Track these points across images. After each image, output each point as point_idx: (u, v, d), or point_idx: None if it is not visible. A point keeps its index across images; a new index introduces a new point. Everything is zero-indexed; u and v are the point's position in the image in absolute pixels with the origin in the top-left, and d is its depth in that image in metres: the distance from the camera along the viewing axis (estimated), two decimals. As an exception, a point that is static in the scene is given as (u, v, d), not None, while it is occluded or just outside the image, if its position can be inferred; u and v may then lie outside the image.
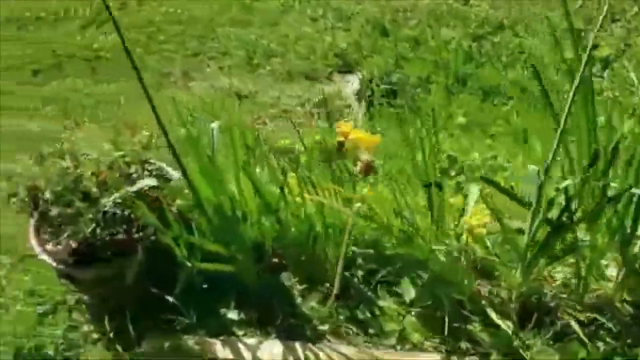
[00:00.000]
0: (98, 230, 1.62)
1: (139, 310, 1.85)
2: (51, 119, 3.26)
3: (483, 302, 1.81)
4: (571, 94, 1.47)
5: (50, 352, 1.88)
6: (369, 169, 1.47)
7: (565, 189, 1.56)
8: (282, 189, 1.71)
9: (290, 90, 3.52)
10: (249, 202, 1.74)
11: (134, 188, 1.56)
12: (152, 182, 1.61)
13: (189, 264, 1.75)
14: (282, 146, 2.89)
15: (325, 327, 1.85)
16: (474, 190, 1.66)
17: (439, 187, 1.58)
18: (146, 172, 1.79)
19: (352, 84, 3.50)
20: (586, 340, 1.66)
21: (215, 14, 4.40)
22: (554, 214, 1.61)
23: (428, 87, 3.44)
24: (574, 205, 1.58)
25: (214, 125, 1.70)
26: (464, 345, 1.72)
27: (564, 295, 1.80)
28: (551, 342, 1.69)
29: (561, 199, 1.58)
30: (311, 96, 3.45)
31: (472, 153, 2.80)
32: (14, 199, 1.66)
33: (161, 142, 1.87)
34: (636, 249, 1.69)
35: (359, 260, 1.96)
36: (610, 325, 1.69)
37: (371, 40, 3.87)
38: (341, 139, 1.60)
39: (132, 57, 1.52)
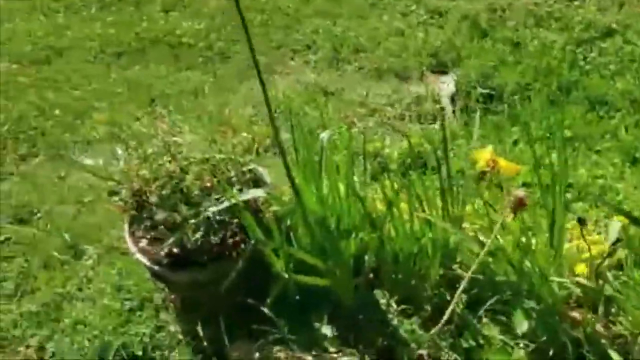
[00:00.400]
0: (198, 236, 1.55)
1: (231, 318, 1.78)
2: (139, 106, 3.26)
3: (603, 341, 1.65)
4: None
5: (138, 352, 1.85)
6: (521, 205, 1.33)
7: None
8: (390, 205, 1.60)
9: (380, 89, 3.38)
10: (354, 218, 1.63)
11: (244, 197, 1.47)
12: (260, 192, 1.52)
13: (286, 276, 1.66)
14: (372, 150, 2.77)
15: (424, 352, 1.73)
16: (615, 226, 1.49)
17: (581, 222, 1.42)
18: (246, 176, 1.71)
19: (447, 85, 3.33)
20: None
21: (300, 4, 4.29)
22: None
23: (527, 94, 3.22)
24: None
25: (325, 135, 1.60)
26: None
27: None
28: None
29: None
30: (402, 96, 3.29)
31: (579, 170, 2.59)
32: (115, 198, 1.61)
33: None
34: None
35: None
36: None
37: (467, 40, 3.67)
38: (485, 167, 1.46)
39: (250, 42, 1.43)
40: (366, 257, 1.79)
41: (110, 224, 2.39)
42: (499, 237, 1.75)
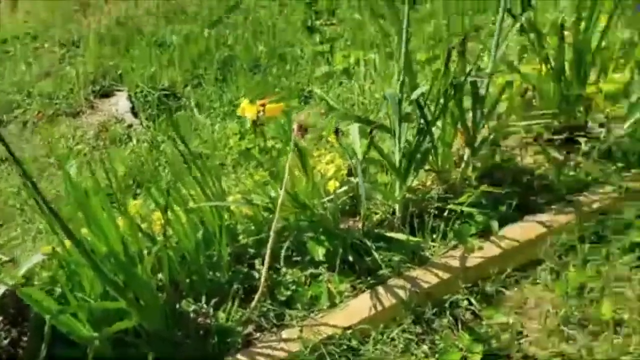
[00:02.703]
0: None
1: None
2: None
3: (376, 230, 1.89)
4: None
5: None
6: (303, 129, 1.41)
7: (417, 99, 1.69)
8: (165, 211, 1.55)
9: (56, 133, 3.14)
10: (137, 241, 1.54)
11: (23, 272, 1.26)
12: (39, 257, 1.31)
13: (95, 334, 1.49)
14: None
15: (249, 330, 1.75)
16: (355, 129, 1.70)
17: (337, 132, 1.58)
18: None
19: (120, 103, 3.26)
20: (476, 218, 1.84)
21: None
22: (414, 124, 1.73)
23: (197, 81, 3.36)
24: (428, 112, 1.72)
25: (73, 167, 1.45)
26: (381, 272, 1.77)
27: (434, 193, 1.97)
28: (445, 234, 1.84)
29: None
30: (85, 129, 3.12)
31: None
32: None
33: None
34: (480, 133, 1.91)
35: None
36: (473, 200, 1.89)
37: (117, 56, 3.63)
38: (255, 115, 1.50)
39: None
40: (160, 275, 1.71)
41: None
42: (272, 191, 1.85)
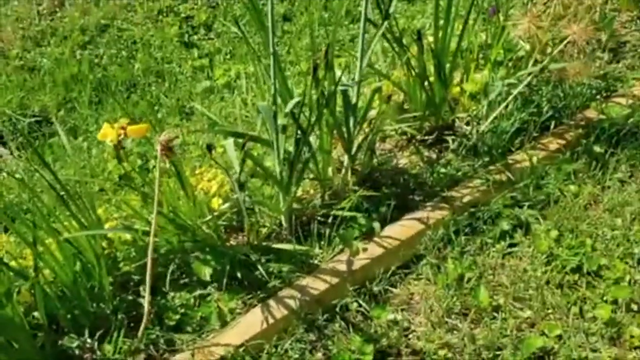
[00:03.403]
0: None
1: None
2: None
3: (264, 243, 1.89)
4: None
5: None
6: (168, 149, 1.35)
7: (291, 111, 1.72)
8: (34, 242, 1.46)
9: None
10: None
11: None
12: None
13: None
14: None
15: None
16: (230, 144, 1.68)
17: (209, 148, 1.56)
18: None
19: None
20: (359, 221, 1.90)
21: None
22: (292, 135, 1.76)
23: (69, 105, 3.21)
24: (305, 122, 1.75)
25: None
26: (271, 284, 1.77)
27: (318, 201, 2.00)
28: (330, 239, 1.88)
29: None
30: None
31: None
32: None
33: None
34: (356, 139, 1.97)
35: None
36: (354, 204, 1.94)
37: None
38: (117, 139, 1.43)
39: None
40: (36, 313, 1.61)
41: None
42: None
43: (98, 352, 1.66)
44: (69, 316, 1.70)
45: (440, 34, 2.03)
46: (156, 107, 3.12)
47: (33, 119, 3.09)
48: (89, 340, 1.68)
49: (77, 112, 3.17)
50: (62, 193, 1.69)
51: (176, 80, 3.38)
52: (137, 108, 3.14)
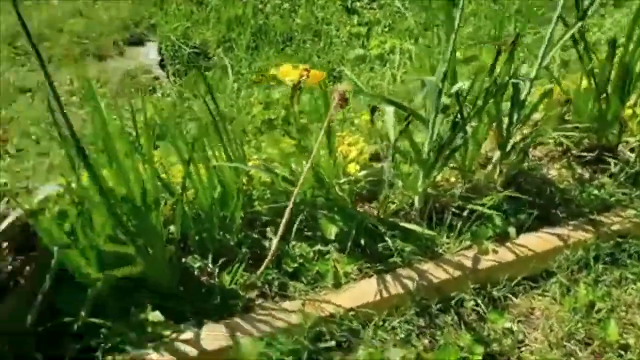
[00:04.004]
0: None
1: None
2: None
3: (390, 219, 1.87)
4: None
5: None
6: (344, 100, 1.38)
7: (457, 92, 1.67)
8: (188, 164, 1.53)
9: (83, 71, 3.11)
10: (155, 189, 1.52)
11: (40, 197, 1.24)
12: (54, 187, 1.29)
13: (97, 276, 1.48)
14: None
15: (252, 295, 1.74)
16: (390, 112, 1.67)
17: (373, 110, 1.56)
18: None
19: (149, 54, 3.23)
20: (495, 222, 1.82)
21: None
22: (449, 118, 1.71)
23: (229, 44, 3.33)
24: (465, 109, 1.69)
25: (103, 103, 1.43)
26: (392, 260, 1.76)
27: (457, 191, 1.95)
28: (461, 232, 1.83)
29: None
30: (110, 75, 3.10)
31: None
32: None
33: None
34: (514, 137, 1.89)
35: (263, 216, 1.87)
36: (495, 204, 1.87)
37: (151, 7, 3.59)
38: (297, 79, 1.47)
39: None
40: (172, 227, 1.70)
41: None
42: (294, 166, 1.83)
43: (216, 279, 1.73)
44: (197, 238, 1.79)
45: (631, 46, 1.89)
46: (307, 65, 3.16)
47: (193, 50, 3.24)
48: (210, 265, 1.76)
49: (234, 53, 3.29)
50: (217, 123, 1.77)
51: (331, 43, 3.41)
52: (289, 62, 3.21)
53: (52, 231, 1.33)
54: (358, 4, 3.73)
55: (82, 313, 1.48)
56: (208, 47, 3.27)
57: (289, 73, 1.54)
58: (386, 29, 3.46)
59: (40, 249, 1.52)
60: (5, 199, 1.39)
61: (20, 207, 1.27)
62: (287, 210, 1.52)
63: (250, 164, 1.91)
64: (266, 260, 1.69)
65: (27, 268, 1.53)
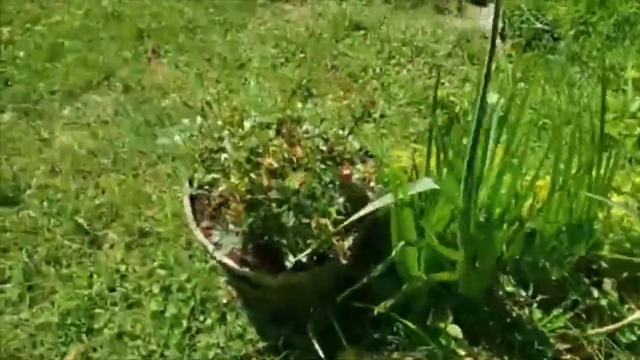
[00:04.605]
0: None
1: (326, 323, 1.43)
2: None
3: None
4: None
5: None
6: None
7: None
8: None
9: (417, 23, 2.93)
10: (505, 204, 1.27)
11: (381, 203, 1.07)
12: (430, 184, 1.11)
13: (422, 275, 1.30)
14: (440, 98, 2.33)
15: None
16: None
17: None
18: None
19: (489, 18, 2.91)
20: None
21: None
22: None
23: (582, 28, 2.85)
24: None
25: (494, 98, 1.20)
26: None
27: None
28: None
29: None
30: (444, 32, 2.86)
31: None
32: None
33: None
34: None
35: None
36: None
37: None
38: None
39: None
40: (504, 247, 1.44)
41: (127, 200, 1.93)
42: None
43: (526, 312, 1.45)
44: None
45: None
46: None
47: (543, 26, 2.83)
48: (523, 294, 1.49)
49: (589, 39, 2.80)
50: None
51: None
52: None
53: (406, 226, 1.15)
54: None
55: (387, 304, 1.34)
56: (558, 26, 2.84)
57: None
58: None
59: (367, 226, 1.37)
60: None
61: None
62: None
63: (614, 197, 1.52)
64: (614, 325, 1.35)
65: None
